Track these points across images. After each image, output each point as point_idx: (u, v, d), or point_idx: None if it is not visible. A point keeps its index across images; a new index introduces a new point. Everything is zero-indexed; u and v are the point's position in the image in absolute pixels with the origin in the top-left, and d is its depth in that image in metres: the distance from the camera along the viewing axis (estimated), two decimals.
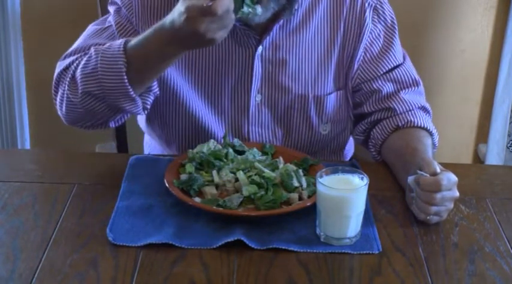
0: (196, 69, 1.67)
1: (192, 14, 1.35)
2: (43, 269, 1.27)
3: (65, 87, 1.58)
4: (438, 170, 1.41)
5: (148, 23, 1.62)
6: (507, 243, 1.40)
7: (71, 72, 1.57)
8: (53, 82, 1.61)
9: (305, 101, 1.70)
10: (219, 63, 1.66)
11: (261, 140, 1.72)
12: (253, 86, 1.68)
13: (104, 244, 1.33)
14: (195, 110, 1.69)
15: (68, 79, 1.57)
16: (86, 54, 1.57)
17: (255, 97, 1.69)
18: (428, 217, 1.41)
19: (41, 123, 2.80)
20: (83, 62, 1.54)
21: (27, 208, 1.45)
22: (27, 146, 2.81)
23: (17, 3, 2.62)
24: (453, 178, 1.41)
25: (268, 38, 1.65)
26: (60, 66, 1.62)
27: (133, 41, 1.50)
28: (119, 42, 1.52)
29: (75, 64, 1.57)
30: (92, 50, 1.54)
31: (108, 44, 1.54)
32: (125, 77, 1.49)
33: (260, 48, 1.65)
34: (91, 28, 1.69)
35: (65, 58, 1.63)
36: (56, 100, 1.62)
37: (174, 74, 1.67)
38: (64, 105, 1.60)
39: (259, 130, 1.72)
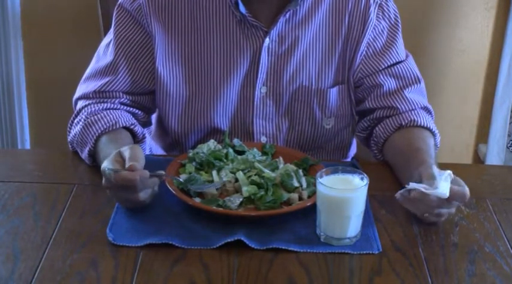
0: (203, 61, 1.68)
1: (105, 177, 1.39)
2: (43, 269, 1.27)
3: (70, 127, 1.67)
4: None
5: (161, 22, 1.65)
6: (507, 243, 1.40)
7: (74, 121, 1.66)
8: (72, 116, 1.69)
9: (308, 94, 1.72)
10: (227, 56, 1.67)
11: (264, 133, 1.73)
12: (259, 78, 1.69)
13: (104, 244, 1.33)
14: (199, 103, 1.70)
15: (69, 123, 1.68)
16: (89, 105, 1.66)
17: (260, 90, 1.70)
18: (425, 215, 1.41)
19: (41, 123, 2.80)
20: (73, 126, 1.65)
21: (27, 208, 1.45)
22: (27, 146, 2.81)
23: (17, 3, 2.62)
24: (461, 199, 1.39)
25: (274, 30, 1.66)
26: (78, 91, 1.72)
27: (99, 149, 1.57)
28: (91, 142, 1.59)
29: (76, 119, 1.65)
30: (81, 121, 1.62)
31: (88, 132, 1.60)
32: (91, 159, 1.61)
33: (267, 40, 1.66)
34: (101, 46, 1.74)
35: (85, 81, 1.72)
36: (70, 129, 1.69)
37: (180, 66, 1.68)
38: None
39: (263, 122, 1.73)
